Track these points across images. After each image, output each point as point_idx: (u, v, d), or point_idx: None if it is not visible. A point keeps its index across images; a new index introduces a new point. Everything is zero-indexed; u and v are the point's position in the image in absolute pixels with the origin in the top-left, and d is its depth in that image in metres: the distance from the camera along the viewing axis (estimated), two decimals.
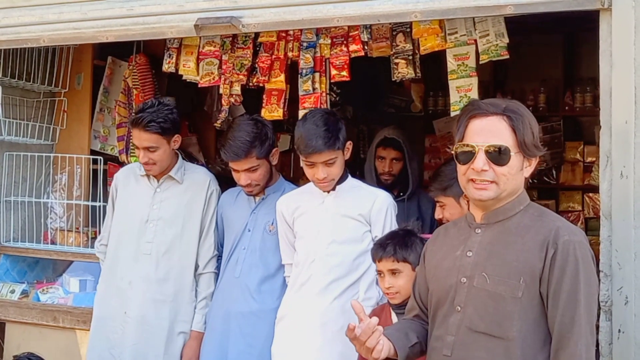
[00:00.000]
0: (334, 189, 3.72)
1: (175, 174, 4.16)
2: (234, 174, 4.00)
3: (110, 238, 4.28)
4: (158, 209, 4.15)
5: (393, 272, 3.25)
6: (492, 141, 2.54)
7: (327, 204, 3.72)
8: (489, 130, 2.56)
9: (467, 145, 2.57)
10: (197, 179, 4.22)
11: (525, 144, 2.55)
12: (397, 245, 3.26)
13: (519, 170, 2.58)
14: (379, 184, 4.68)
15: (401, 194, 4.73)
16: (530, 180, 2.70)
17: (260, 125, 3.97)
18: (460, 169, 2.61)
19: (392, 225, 3.69)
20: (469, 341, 2.56)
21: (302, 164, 3.72)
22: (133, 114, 4.09)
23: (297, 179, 6.08)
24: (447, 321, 2.62)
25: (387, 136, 4.79)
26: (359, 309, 2.63)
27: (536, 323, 2.49)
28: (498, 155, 2.53)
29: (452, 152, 2.64)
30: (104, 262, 4.30)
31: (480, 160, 2.54)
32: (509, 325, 2.48)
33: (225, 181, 4.37)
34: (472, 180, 2.57)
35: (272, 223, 3.97)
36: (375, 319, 2.58)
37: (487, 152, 2.53)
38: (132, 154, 5.10)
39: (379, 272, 3.32)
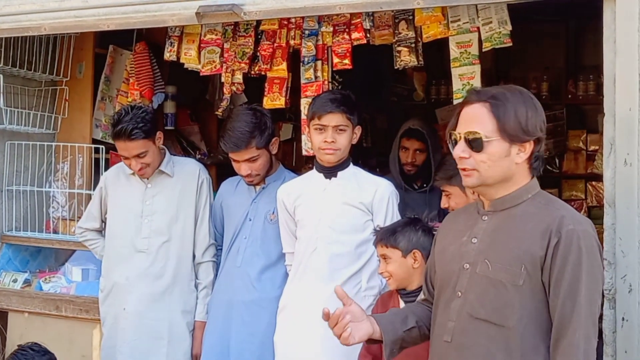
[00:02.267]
0: (335, 175, 3.72)
1: (165, 167, 4.18)
2: (234, 164, 4.00)
3: (106, 237, 4.32)
4: (151, 204, 4.17)
5: (383, 257, 3.31)
6: (470, 128, 2.54)
7: (328, 192, 3.72)
8: (469, 118, 2.56)
9: (453, 134, 2.60)
10: (187, 170, 4.24)
11: (506, 129, 2.51)
12: (385, 231, 3.33)
13: (502, 156, 2.53)
14: (403, 174, 4.71)
15: (424, 185, 4.74)
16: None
17: (259, 115, 3.98)
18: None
19: (394, 213, 3.69)
20: (470, 328, 2.55)
21: (307, 136, 3.72)
22: (111, 127, 4.10)
23: (299, 167, 6.09)
24: (448, 307, 2.62)
25: (411, 127, 4.82)
26: (342, 295, 2.69)
27: (538, 312, 2.47)
28: (474, 142, 2.53)
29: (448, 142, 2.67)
30: (103, 261, 4.33)
31: (459, 148, 2.55)
32: (510, 313, 2.47)
33: (227, 170, 4.37)
34: (459, 167, 2.60)
35: (273, 212, 3.97)
36: (345, 308, 2.63)
37: (465, 139, 2.54)
38: None
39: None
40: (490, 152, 2.52)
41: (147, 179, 4.18)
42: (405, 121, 4.97)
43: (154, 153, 4.10)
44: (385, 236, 3.30)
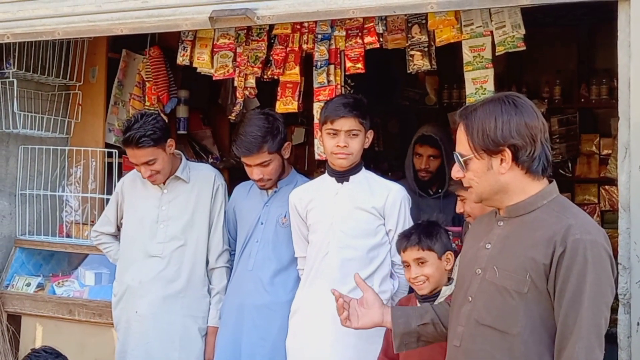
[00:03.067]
0: (347, 179, 3.72)
1: (181, 174, 4.19)
2: (247, 169, 4.01)
3: (121, 241, 4.33)
4: (167, 209, 4.18)
5: (419, 261, 3.27)
6: (456, 149, 2.60)
7: (340, 196, 3.71)
8: (457, 138, 2.61)
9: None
10: (203, 176, 4.24)
11: (474, 146, 2.52)
12: (421, 234, 3.29)
13: (485, 171, 2.53)
14: (417, 180, 4.72)
15: (439, 190, 4.75)
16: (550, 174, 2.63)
17: (271, 120, 3.98)
18: None
19: (405, 218, 3.68)
20: (476, 333, 2.55)
21: (319, 140, 3.73)
22: (121, 134, 4.13)
23: (311, 171, 6.08)
24: (460, 311, 2.63)
25: (424, 133, 4.82)
26: (358, 281, 2.91)
27: (543, 320, 2.45)
28: (459, 163, 2.57)
29: None
30: (117, 265, 4.34)
31: (454, 169, 2.60)
32: (514, 321, 2.46)
33: (240, 174, 4.37)
34: None
35: (285, 216, 3.96)
36: (349, 298, 2.86)
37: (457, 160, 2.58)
38: None
39: (405, 263, 3.32)
40: (473, 169, 2.55)
41: (164, 184, 4.18)
42: (419, 127, 4.96)
43: (164, 160, 4.09)
44: (422, 239, 3.27)
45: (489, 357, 2.51)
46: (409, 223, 3.66)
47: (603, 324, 2.40)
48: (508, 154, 2.49)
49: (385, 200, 3.67)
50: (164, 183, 4.19)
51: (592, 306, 2.37)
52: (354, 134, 3.63)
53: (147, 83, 5.18)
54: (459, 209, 3.65)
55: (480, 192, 2.57)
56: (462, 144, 2.55)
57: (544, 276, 2.42)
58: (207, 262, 4.18)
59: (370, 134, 3.73)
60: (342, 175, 3.73)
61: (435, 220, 3.37)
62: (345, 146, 3.62)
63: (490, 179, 2.54)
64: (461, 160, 2.55)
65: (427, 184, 4.76)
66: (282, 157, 4.01)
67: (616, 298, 2.83)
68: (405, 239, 3.32)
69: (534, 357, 2.45)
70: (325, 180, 3.81)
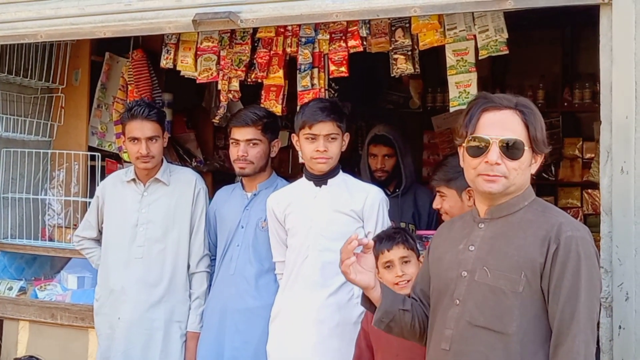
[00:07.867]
0: (325, 182, 3.73)
1: (161, 176, 4.19)
2: (232, 149, 4.06)
3: (102, 245, 4.31)
4: (147, 212, 4.17)
5: (404, 260, 3.30)
6: (506, 135, 2.52)
7: (319, 199, 3.72)
8: (502, 124, 2.54)
9: (480, 139, 2.54)
10: (183, 179, 4.24)
11: (537, 139, 2.54)
12: (405, 234, 3.36)
13: (528, 165, 2.56)
14: (374, 181, 4.71)
15: (397, 190, 4.76)
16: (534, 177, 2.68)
17: (272, 114, 4.16)
18: (471, 162, 2.57)
19: (384, 220, 3.69)
20: (468, 335, 2.55)
21: (298, 144, 3.74)
22: (126, 112, 4.16)
23: (295, 174, 6.07)
24: (445, 315, 2.62)
25: (377, 133, 4.87)
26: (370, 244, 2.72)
27: (537, 319, 2.48)
28: (512, 149, 2.51)
29: (461, 145, 2.62)
30: (99, 269, 4.32)
31: (494, 154, 2.51)
32: (509, 320, 2.47)
33: (222, 178, 4.37)
34: (482, 173, 2.55)
35: (264, 219, 3.97)
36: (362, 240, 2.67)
37: (501, 146, 2.51)
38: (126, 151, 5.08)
39: (387, 264, 3.32)
40: (522, 160, 2.54)
41: (139, 182, 4.20)
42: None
43: (161, 147, 4.15)
44: (408, 238, 3.36)
45: (483, 358, 2.51)
46: (387, 225, 3.68)
47: (596, 318, 2.46)
48: (542, 158, 2.59)
49: (364, 203, 3.68)
50: (144, 184, 4.18)
51: (587, 300, 2.42)
52: (332, 138, 3.65)
53: (129, 86, 5.16)
54: (436, 204, 3.65)
55: (512, 184, 2.54)
56: (519, 132, 2.53)
57: (539, 274, 2.46)
58: (189, 267, 4.17)
59: (347, 137, 3.76)
60: (320, 179, 3.75)
61: (405, 228, 3.47)
62: (325, 150, 3.63)
63: (526, 175, 2.57)
64: (524, 148, 2.52)
65: (384, 183, 4.75)
66: (269, 149, 4.06)
67: None
68: (390, 240, 3.33)
69: (529, 356, 2.47)
70: (303, 184, 3.82)
